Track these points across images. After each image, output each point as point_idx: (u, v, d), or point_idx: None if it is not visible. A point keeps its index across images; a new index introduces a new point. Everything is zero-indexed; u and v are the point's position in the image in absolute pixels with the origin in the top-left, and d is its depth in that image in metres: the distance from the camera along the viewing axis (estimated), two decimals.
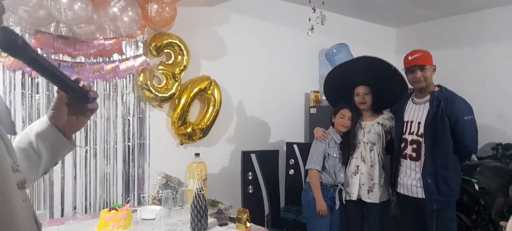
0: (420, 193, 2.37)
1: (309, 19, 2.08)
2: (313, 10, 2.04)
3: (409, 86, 2.60)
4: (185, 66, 2.85)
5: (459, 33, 3.88)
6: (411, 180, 2.42)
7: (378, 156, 2.63)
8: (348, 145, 2.67)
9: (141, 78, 2.71)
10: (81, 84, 0.85)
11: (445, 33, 3.98)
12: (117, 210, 1.96)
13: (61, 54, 2.46)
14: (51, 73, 0.80)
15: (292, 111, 3.65)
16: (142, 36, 2.72)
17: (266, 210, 3.13)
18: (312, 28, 2.07)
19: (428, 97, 2.38)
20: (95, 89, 2.54)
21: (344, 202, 2.66)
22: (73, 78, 0.84)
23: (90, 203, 2.62)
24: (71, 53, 2.49)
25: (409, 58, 2.42)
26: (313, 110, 3.58)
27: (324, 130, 2.71)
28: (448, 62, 3.63)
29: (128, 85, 2.75)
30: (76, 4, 2.11)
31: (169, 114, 2.95)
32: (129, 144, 2.78)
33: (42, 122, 0.87)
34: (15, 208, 0.60)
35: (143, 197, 2.56)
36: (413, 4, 3.57)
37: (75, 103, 0.87)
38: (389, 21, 4.20)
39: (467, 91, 3.16)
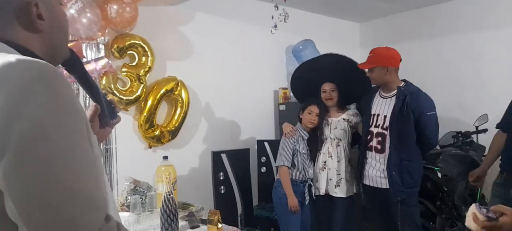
0: (384, 184, 2.45)
1: (272, 17, 2.08)
2: (275, 8, 2.04)
3: None
4: (150, 68, 2.79)
5: (419, 26, 4.01)
6: (376, 171, 2.49)
7: (344, 151, 2.69)
8: (315, 141, 2.70)
9: (104, 82, 2.62)
10: (109, 98, 1.03)
11: (406, 26, 4.11)
12: None
13: None
14: (92, 87, 0.97)
15: (261, 109, 3.65)
16: (103, 38, 2.63)
17: (239, 209, 3.12)
18: (275, 26, 2.07)
19: (394, 91, 2.46)
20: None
21: (313, 197, 2.69)
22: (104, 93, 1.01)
23: None
24: None
25: (359, 63, 2.54)
26: (282, 107, 3.60)
27: (292, 126, 2.73)
28: (411, 55, 3.75)
29: None
30: None
31: (136, 117, 2.88)
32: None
33: None
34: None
35: None
36: None
37: (103, 116, 1.01)
38: (352, 16, 4.29)
39: (429, 83, 3.31)
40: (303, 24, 3.84)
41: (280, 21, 2.08)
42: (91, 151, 0.67)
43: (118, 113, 1.05)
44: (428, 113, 2.34)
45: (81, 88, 1.06)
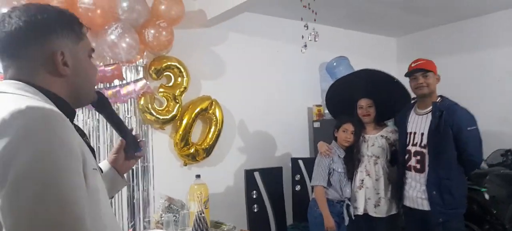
0: (425, 205, 2.31)
1: (302, 37, 2.08)
2: (305, 27, 2.04)
3: (412, 95, 2.57)
4: (185, 88, 2.87)
5: (460, 40, 3.85)
6: (416, 192, 2.37)
7: (382, 169, 2.59)
8: (352, 159, 2.63)
9: (142, 102, 2.73)
10: (134, 133, 1.12)
11: (446, 40, 3.95)
12: None
13: None
14: (119, 124, 1.08)
15: (295, 127, 3.63)
16: (141, 60, 2.75)
17: (273, 229, 3.08)
18: (305, 45, 2.07)
19: (430, 108, 2.35)
20: (98, 117, 2.61)
21: (353, 218, 2.60)
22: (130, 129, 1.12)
23: None
24: None
25: (413, 64, 2.41)
26: (316, 124, 3.56)
27: (328, 145, 2.68)
28: (451, 70, 3.59)
29: (130, 110, 2.77)
30: None
31: (172, 136, 2.96)
32: (132, 167, 2.77)
33: (104, 164, 1.10)
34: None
35: (146, 222, 2.54)
36: (411, 13, 3.56)
37: (128, 149, 1.11)
38: (388, 31, 4.19)
39: (471, 99, 3.13)
40: (337, 41, 3.81)
41: (310, 40, 2.07)
42: (82, 187, 0.72)
43: (142, 148, 1.13)
44: (468, 129, 2.21)
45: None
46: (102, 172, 0.97)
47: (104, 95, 1.03)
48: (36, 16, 0.81)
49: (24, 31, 0.80)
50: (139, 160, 2.79)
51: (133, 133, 1.12)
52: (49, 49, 0.81)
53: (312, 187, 2.68)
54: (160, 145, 2.90)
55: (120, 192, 2.71)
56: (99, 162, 1.03)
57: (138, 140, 1.12)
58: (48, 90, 0.81)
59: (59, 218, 0.66)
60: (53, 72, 0.82)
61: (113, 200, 2.67)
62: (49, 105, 0.74)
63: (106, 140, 2.66)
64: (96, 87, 2.68)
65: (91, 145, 0.94)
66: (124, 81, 2.70)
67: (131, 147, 1.11)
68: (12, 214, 0.64)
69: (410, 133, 2.43)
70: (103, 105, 1.02)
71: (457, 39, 3.86)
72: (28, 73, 0.81)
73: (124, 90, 2.70)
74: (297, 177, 3.33)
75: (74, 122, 0.87)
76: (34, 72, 0.81)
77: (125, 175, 1.16)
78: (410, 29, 4.14)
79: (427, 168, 2.31)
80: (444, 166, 2.25)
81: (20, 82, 0.79)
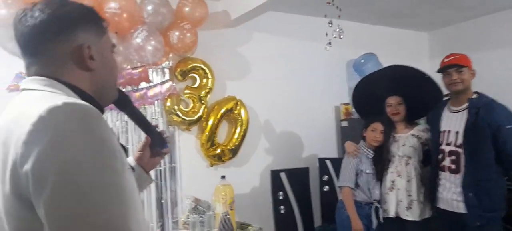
0: (461, 208, 2.19)
1: (326, 34, 2.02)
2: (329, 24, 1.98)
3: (445, 92, 2.45)
4: (210, 89, 2.88)
5: (497, 33, 3.63)
6: (451, 194, 2.25)
7: (415, 170, 2.48)
8: (381, 160, 2.54)
9: (168, 104, 2.76)
10: (159, 130, 1.09)
11: (482, 33, 3.74)
12: None
13: None
14: (143, 121, 1.06)
15: (322, 126, 3.56)
16: (167, 62, 2.79)
17: (301, 230, 3.03)
18: (329, 43, 2.01)
19: (465, 105, 2.23)
20: (126, 119, 2.66)
21: (381, 221, 2.51)
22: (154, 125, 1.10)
23: None
24: None
25: (445, 60, 2.29)
26: (344, 124, 3.47)
27: (355, 145, 2.61)
28: (487, 65, 3.39)
29: (156, 111, 2.81)
30: None
31: (198, 137, 2.98)
32: (160, 168, 2.82)
33: (130, 161, 1.08)
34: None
35: (175, 222, 2.57)
36: (443, 6, 3.40)
37: (154, 146, 1.09)
38: (419, 26, 4.03)
39: (510, 94, 2.95)
40: (364, 37, 3.70)
41: (335, 37, 2.01)
42: (124, 186, 0.70)
43: (168, 144, 1.11)
44: (507, 127, 2.07)
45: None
46: (133, 170, 0.97)
47: (125, 93, 1.01)
48: (60, 9, 0.79)
49: (49, 25, 0.77)
50: (167, 161, 2.85)
51: (158, 129, 1.10)
52: (75, 42, 0.79)
53: (339, 188, 2.62)
54: (186, 146, 2.93)
55: (149, 192, 2.77)
56: None
57: (164, 136, 1.10)
58: (75, 86, 0.78)
59: (105, 219, 0.64)
60: (80, 66, 0.80)
61: (142, 198, 2.73)
62: (86, 103, 0.71)
63: (135, 142, 2.71)
64: (124, 90, 2.77)
65: (123, 144, 0.90)
66: (151, 84, 2.74)
67: (157, 144, 1.09)
68: (56, 217, 0.62)
69: (444, 132, 2.32)
70: (124, 103, 1.00)
71: (494, 32, 3.65)
72: (53, 69, 0.78)
73: (151, 93, 2.75)
74: (325, 177, 3.27)
75: None
76: (60, 68, 0.78)
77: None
78: (442, 23, 3.96)
79: (462, 168, 2.19)
80: (482, 166, 2.13)
81: (47, 79, 0.77)
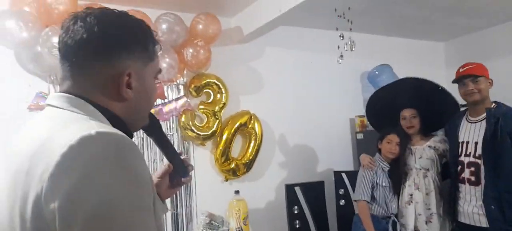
0: (483, 222, 2.12)
1: (338, 47, 2.02)
2: (341, 37, 1.99)
3: (462, 102, 2.40)
4: (224, 104, 2.90)
5: None
6: (472, 207, 2.18)
7: (433, 182, 2.43)
8: (398, 173, 2.50)
9: (183, 119, 2.79)
10: (183, 157, 1.00)
11: (499, 41, 3.66)
12: None
13: None
14: (168, 148, 0.97)
15: (337, 139, 3.52)
16: (182, 79, 2.83)
17: None
18: (341, 56, 2.01)
19: (484, 115, 2.18)
20: (142, 135, 2.70)
21: None
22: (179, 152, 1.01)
23: None
24: None
25: (461, 70, 2.26)
26: (359, 136, 3.43)
27: (371, 157, 2.57)
28: (506, 73, 3.30)
29: (171, 127, 2.85)
30: None
31: (212, 152, 2.99)
32: (174, 194, 2.84)
33: None
34: None
35: None
36: (459, 15, 3.36)
37: (175, 175, 1.00)
38: (434, 35, 3.98)
39: None
40: (378, 49, 3.68)
41: (346, 50, 2.01)
42: (154, 226, 0.67)
43: (189, 174, 1.03)
44: None
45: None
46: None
47: (156, 117, 0.93)
48: (111, 27, 0.72)
49: (94, 43, 0.71)
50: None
51: (182, 156, 1.01)
52: (117, 68, 0.72)
53: (355, 202, 2.57)
54: (201, 161, 2.94)
55: None
56: None
57: (187, 165, 1.01)
58: (107, 109, 0.72)
59: None
60: (114, 94, 0.73)
61: None
62: (119, 132, 0.65)
63: (150, 158, 2.74)
64: None
65: None
66: (166, 100, 2.79)
67: (179, 172, 1.01)
68: None
69: (462, 143, 2.27)
70: (153, 129, 0.92)
71: (508, 40, 3.57)
72: (87, 89, 0.72)
73: (166, 109, 2.79)
74: (341, 191, 3.21)
75: None
76: (95, 89, 0.72)
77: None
78: (458, 32, 3.90)
79: (483, 180, 2.13)
80: (503, 178, 2.06)
81: (76, 98, 0.70)
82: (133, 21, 0.77)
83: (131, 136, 0.78)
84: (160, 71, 0.84)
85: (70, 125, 0.64)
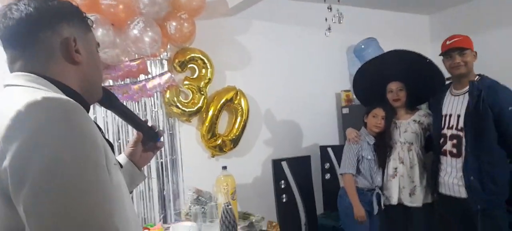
0: (463, 193, 2.18)
1: (326, 19, 1.99)
2: (329, 9, 1.95)
3: (447, 75, 2.41)
4: (210, 79, 2.85)
5: (499, 13, 3.57)
6: (452, 178, 2.23)
7: (417, 156, 2.47)
8: (383, 146, 2.53)
9: (167, 95, 2.74)
10: (150, 124, 1.08)
11: (484, 14, 3.68)
12: (149, 229, 1.98)
13: None
14: (131, 117, 1.05)
15: (323, 114, 3.54)
16: (165, 53, 2.76)
17: (303, 218, 3.04)
18: (329, 28, 1.98)
19: (467, 87, 2.20)
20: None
21: (382, 207, 2.51)
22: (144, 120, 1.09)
23: None
24: None
25: (447, 42, 2.25)
26: (345, 110, 3.45)
27: (357, 131, 2.59)
28: (489, 46, 3.34)
29: (156, 103, 2.79)
30: (97, 30, 2.17)
31: (198, 128, 2.97)
32: (161, 160, 2.81)
33: (122, 157, 1.07)
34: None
35: (177, 213, 2.57)
36: None
37: (146, 141, 1.08)
38: (420, 8, 3.97)
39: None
40: (365, 22, 3.65)
41: (334, 22, 1.98)
42: (109, 182, 0.69)
43: (161, 138, 1.09)
44: (510, 109, 2.04)
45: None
46: (121, 166, 0.94)
47: (109, 91, 0.99)
48: (46, 2, 0.79)
49: (36, 18, 0.76)
50: (168, 153, 2.84)
51: (149, 123, 1.09)
52: (61, 35, 0.79)
53: (341, 175, 2.61)
54: (187, 138, 2.92)
55: (151, 184, 2.77)
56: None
57: (156, 130, 1.09)
58: (61, 82, 0.78)
59: (88, 216, 0.62)
60: (66, 59, 0.79)
61: (144, 191, 2.73)
62: (65, 97, 0.70)
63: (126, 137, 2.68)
64: (123, 82, 2.75)
65: (109, 139, 0.89)
66: (150, 76, 2.72)
67: (149, 138, 1.08)
68: (37, 215, 0.60)
69: (446, 115, 2.29)
70: (110, 101, 0.98)
71: (495, 13, 3.59)
72: (38, 64, 0.77)
73: (149, 85, 2.73)
74: (327, 165, 3.26)
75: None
76: (46, 62, 0.77)
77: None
78: (444, 4, 3.90)
79: (464, 152, 2.17)
80: (484, 150, 2.10)
81: (31, 75, 0.75)
82: None
83: (88, 106, 0.84)
84: (98, 45, 0.91)
85: (21, 96, 0.68)
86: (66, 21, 0.80)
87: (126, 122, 1.09)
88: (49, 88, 0.74)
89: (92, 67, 0.85)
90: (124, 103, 2.70)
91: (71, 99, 0.70)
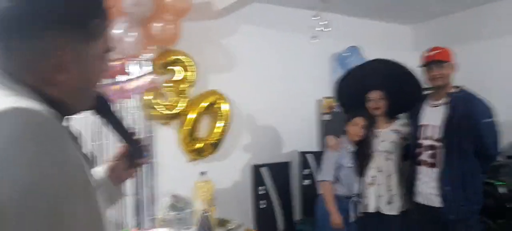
0: (438, 202, 2.22)
1: (313, 27, 1.99)
2: (314, 18, 1.95)
3: (426, 86, 2.46)
4: (192, 82, 2.82)
5: (478, 26, 3.66)
6: (429, 188, 2.27)
7: (395, 165, 2.50)
8: (362, 155, 2.55)
9: (147, 97, 2.69)
10: (136, 137, 0.96)
11: (464, 27, 3.77)
12: None
13: None
14: (122, 129, 0.93)
15: (304, 120, 3.54)
16: (148, 55, 2.71)
17: (281, 224, 3.03)
18: (314, 36, 1.98)
19: (444, 99, 2.24)
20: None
21: (358, 215, 2.53)
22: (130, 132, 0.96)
23: None
24: None
25: (427, 54, 2.30)
26: (326, 117, 3.47)
27: (336, 139, 2.61)
28: (469, 58, 3.39)
29: (134, 106, 2.74)
30: None
31: (178, 131, 2.92)
32: (129, 177, 2.74)
33: (99, 172, 0.95)
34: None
35: (152, 219, 2.53)
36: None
37: (132, 156, 0.97)
38: (403, 19, 4.03)
39: (492, 88, 2.98)
40: (349, 31, 3.68)
41: (321, 30, 1.98)
42: (100, 208, 0.62)
43: (146, 154, 1.00)
44: (484, 121, 2.10)
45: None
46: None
47: (105, 98, 0.87)
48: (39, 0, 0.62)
49: (19, 18, 0.60)
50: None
51: (138, 137, 0.97)
52: (45, 46, 0.62)
53: (319, 182, 2.62)
54: (165, 141, 2.87)
55: (125, 188, 2.70)
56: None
57: (143, 147, 0.98)
58: (36, 87, 0.63)
59: None
60: (45, 76, 0.64)
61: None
62: (39, 106, 0.58)
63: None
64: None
65: (83, 150, 0.73)
66: (131, 77, 2.67)
67: (136, 154, 0.97)
68: None
69: (423, 126, 2.34)
70: (102, 111, 0.86)
71: (478, 25, 3.67)
72: (15, 66, 0.63)
73: (130, 86, 2.68)
74: (306, 171, 3.27)
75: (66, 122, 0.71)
76: (22, 69, 0.63)
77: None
78: (426, 16, 3.97)
79: (440, 163, 2.21)
80: (460, 161, 2.15)
81: (3, 73, 0.62)
82: None
83: (67, 116, 0.70)
84: (109, 49, 0.72)
85: None
86: (56, 28, 0.63)
87: (115, 133, 0.93)
88: (21, 93, 0.61)
89: (82, 82, 0.69)
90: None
91: (45, 110, 0.59)
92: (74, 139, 0.68)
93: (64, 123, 0.69)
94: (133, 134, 0.96)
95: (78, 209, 0.56)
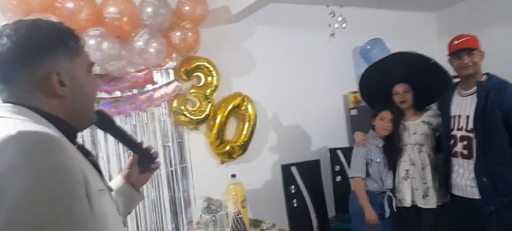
0: (475, 194, 2.15)
1: (329, 25, 1.98)
2: (331, 15, 1.94)
3: (454, 74, 2.38)
4: (216, 86, 2.86)
5: (504, 9, 3.51)
6: (464, 180, 2.20)
7: (428, 157, 2.44)
8: (392, 149, 2.50)
9: (175, 104, 2.76)
10: (144, 146, 1.08)
11: (491, 10, 3.63)
12: None
13: (98, 92, 2.57)
14: (127, 140, 1.06)
15: (331, 116, 3.52)
16: (171, 63, 2.77)
17: (314, 222, 3.03)
18: (332, 34, 1.97)
19: (475, 88, 2.17)
20: (134, 122, 2.67)
21: (394, 210, 2.49)
22: (139, 141, 1.09)
23: (142, 230, 2.69)
24: (107, 89, 2.60)
25: (455, 42, 2.22)
26: (353, 112, 3.43)
27: (364, 134, 2.58)
28: (497, 43, 3.27)
29: (163, 113, 2.81)
30: (103, 44, 2.20)
31: (207, 135, 2.97)
32: (171, 169, 2.83)
33: (118, 179, 1.09)
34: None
35: (187, 223, 2.58)
36: None
37: (142, 163, 1.09)
38: (426, 6, 3.93)
39: None
40: (370, 23, 3.63)
41: (338, 27, 1.97)
42: (87, 214, 0.69)
43: (157, 159, 1.10)
44: None
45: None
46: (111, 190, 0.94)
47: (106, 113, 1.00)
48: (27, 35, 0.77)
49: (15, 53, 0.75)
50: (178, 161, 2.85)
51: (144, 145, 1.09)
52: (43, 70, 0.77)
53: (351, 179, 2.59)
54: (196, 145, 2.92)
55: (162, 193, 2.78)
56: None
57: (151, 152, 1.09)
58: (45, 111, 0.77)
59: None
60: (50, 94, 0.78)
61: (156, 201, 2.74)
62: (42, 129, 0.70)
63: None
64: (131, 93, 2.76)
65: (98, 163, 0.89)
66: (157, 85, 2.74)
67: (145, 160, 1.09)
68: None
69: (454, 117, 2.26)
70: (106, 124, 0.99)
71: (501, 9, 3.53)
72: (23, 95, 0.77)
73: (157, 94, 2.75)
74: (337, 168, 3.24)
75: (79, 141, 0.84)
76: (30, 94, 0.77)
77: (141, 189, 1.12)
78: (450, 1, 3.85)
79: (475, 154, 2.14)
80: (494, 151, 2.07)
81: (14, 105, 0.76)
82: (46, 23, 0.82)
83: (75, 133, 0.84)
84: (92, 64, 0.88)
85: (1, 129, 0.68)
86: (49, 54, 0.78)
87: (122, 144, 1.09)
88: (32, 118, 0.74)
89: (80, 95, 0.84)
90: (133, 114, 2.76)
91: (49, 131, 0.70)
92: (86, 154, 0.82)
93: (73, 141, 0.81)
94: (139, 143, 1.08)
95: (70, 213, 0.65)
